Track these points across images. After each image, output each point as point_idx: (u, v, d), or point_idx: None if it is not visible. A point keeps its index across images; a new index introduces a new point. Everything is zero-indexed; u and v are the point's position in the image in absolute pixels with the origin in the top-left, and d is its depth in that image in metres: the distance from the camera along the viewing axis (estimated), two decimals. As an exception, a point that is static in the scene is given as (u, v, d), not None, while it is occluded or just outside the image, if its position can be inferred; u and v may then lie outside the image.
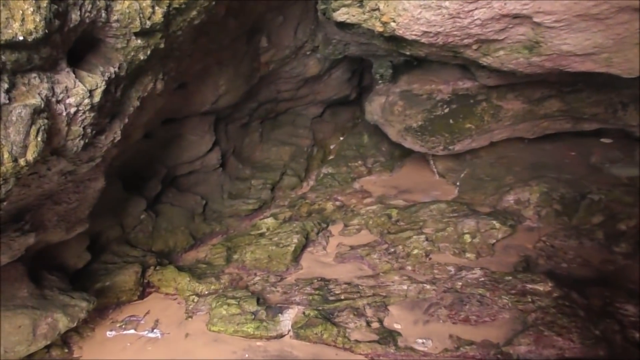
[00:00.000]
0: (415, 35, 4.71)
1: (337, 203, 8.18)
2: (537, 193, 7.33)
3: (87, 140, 3.32)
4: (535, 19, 4.23)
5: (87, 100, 3.11)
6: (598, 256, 5.98)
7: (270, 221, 7.27)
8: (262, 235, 6.91)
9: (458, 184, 8.58)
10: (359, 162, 9.88)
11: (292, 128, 10.36)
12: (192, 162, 6.90)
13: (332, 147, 11.27)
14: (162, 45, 3.51)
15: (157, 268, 5.65)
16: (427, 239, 6.32)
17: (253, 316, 4.76)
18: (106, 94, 3.27)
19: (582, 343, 4.26)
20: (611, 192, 7.05)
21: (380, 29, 4.86)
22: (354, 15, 5.03)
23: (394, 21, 4.63)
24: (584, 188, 7.33)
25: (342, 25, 5.68)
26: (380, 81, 8.37)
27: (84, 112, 3.17)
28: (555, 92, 7.27)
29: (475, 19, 4.31)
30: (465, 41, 4.76)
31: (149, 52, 3.51)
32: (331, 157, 10.83)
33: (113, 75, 3.30)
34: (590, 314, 4.60)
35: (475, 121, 7.50)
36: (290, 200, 8.65)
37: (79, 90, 3.01)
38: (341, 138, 11.38)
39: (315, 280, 5.64)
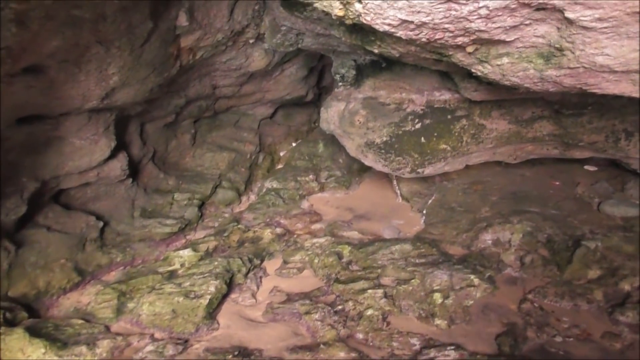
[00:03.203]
0: (390, 25, 3.21)
1: (278, 230, 6.63)
2: (519, 233, 6.07)
3: None
4: (569, 14, 2.81)
5: None
6: (599, 326, 4.77)
7: (187, 254, 5.64)
8: (172, 275, 5.29)
9: (425, 212, 7.22)
10: (311, 175, 8.37)
11: (235, 130, 8.73)
12: (84, 173, 5.18)
13: (282, 154, 9.72)
14: None
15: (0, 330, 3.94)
16: (385, 295, 4.87)
17: None
18: None
19: None
20: (608, 237, 5.85)
21: (341, 13, 3.33)
22: (303, -10, 3.50)
23: (360, 2, 3.12)
24: (575, 229, 6.14)
25: (291, 5, 4.14)
26: (340, 83, 6.87)
27: None
28: (549, 112, 5.98)
29: (481, 8, 2.84)
30: (459, 40, 3.30)
31: None
32: (280, 166, 9.28)
33: None
34: None
35: (452, 141, 6.12)
36: (222, 221, 7.04)
37: None
38: (294, 144, 9.86)
39: (231, 356, 4.08)
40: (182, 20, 4.44)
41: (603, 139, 5.93)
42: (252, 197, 8.13)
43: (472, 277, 4.98)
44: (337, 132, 6.87)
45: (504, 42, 3.28)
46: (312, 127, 10.33)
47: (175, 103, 6.27)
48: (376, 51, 4.15)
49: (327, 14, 3.48)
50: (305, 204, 7.78)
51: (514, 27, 3.07)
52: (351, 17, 3.30)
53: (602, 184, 7.14)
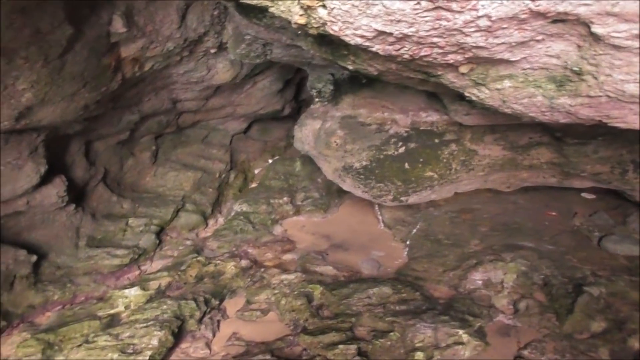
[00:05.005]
0: (363, 37, 2.51)
1: (244, 262, 5.86)
2: (513, 273, 5.40)
3: None
4: (597, 29, 2.13)
5: None
6: (607, 394, 4.07)
7: (133, 294, 4.87)
8: (113, 320, 4.51)
9: (408, 242, 6.51)
10: (285, 197, 7.62)
11: (203, 146, 7.98)
12: (9, 202, 4.41)
13: (257, 171, 8.98)
14: None
15: None
16: (359, 351, 4.13)
17: None
18: None
19: None
20: (612, 282, 5.19)
21: (302, 20, 2.63)
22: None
23: (325, 7, 2.42)
24: (574, 270, 5.48)
25: (247, 10, 3.42)
26: (317, 99, 6.18)
27: None
28: (549, 139, 5.34)
29: (480, 17, 2.16)
30: (451, 58, 2.61)
31: None
32: (254, 184, 8.53)
33: None
34: None
35: (439, 168, 5.45)
36: (183, 249, 6.26)
37: None
38: (270, 161, 9.12)
39: None
40: (118, 26, 3.69)
41: (608, 169, 5.31)
42: (221, 220, 7.37)
43: (461, 332, 4.26)
44: (313, 153, 6.17)
45: (507, 61, 2.60)
46: (290, 143, 9.56)
47: (127, 119, 5.52)
48: (350, 67, 3.44)
49: (290, 22, 2.76)
50: (278, 230, 7.05)
51: (522, 43, 2.39)
52: (315, 25, 2.60)
53: (602, 215, 6.48)
